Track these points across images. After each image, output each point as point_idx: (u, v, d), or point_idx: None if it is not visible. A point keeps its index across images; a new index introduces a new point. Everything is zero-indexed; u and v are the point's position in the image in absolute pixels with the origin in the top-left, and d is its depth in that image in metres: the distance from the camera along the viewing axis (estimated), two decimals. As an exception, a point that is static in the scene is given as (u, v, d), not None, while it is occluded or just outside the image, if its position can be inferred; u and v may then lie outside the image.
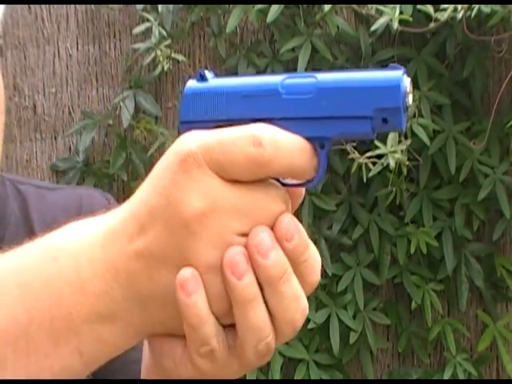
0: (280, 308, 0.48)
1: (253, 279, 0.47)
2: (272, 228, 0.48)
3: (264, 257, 0.47)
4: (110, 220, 0.50)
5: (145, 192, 0.48)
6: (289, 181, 0.49)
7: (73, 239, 0.50)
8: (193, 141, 0.47)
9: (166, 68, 2.11)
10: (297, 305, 0.49)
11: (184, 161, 0.46)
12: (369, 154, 1.99)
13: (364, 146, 2.18)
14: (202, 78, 0.51)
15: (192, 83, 0.51)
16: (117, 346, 0.50)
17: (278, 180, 0.49)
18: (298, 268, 0.49)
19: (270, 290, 0.48)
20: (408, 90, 0.48)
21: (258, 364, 0.50)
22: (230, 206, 0.46)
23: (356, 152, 2.02)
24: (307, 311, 0.50)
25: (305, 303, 0.50)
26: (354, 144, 2.05)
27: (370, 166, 1.99)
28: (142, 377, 0.60)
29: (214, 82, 0.51)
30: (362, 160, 1.99)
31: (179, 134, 0.49)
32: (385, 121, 0.47)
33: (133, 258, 0.48)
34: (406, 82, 0.48)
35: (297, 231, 0.48)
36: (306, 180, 0.49)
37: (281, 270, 0.47)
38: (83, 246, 0.49)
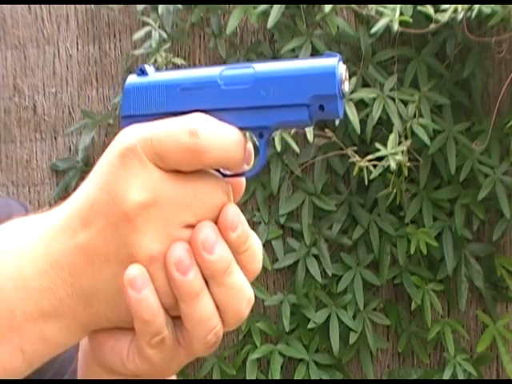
0: (226, 299, 0.49)
1: (197, 273, 0.47)
2: (215, 219, 0.48)
3: (209, 252, 0.47)
4: (53, 216, 0.49)
5: (87, 187, 0.48)
6: (226, 172, 0.50)
7: (15, 236, 0.50)
8: (132, 135, 0.47)
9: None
10: (242, 295, 0.49)
11: (124, 155, 0.47)
12: (369, 156, 1.99)
13: (364, 149, 2.18)
14: (143, 73, 0.51)
15: (132, 78, 0.51)
16: (60, 343, 0.50)
17: (218, 171, 0.49)
18: (241, 257, 0.49)
19: (215, 283, 0.48)
20: (344, 78, 0.48)
21: (206, 353, 0.50)
22: (171, 197, 0.47)
23: (356, 156, 2.02)
24: (253, 300, 0.50)
25: (250, 292, 0.50)
26: (355, 148, 2.05)
27: (371, 168, 1.99)
28: (79, 377, 0.60)
29: (153, 76, 0.51)
30: (363, 163, 1.99)
31: (120, 128, 0.49)
32: (321, 108, 0.48)
33: (76, 253, 0.48)
34: (342, 70, 0.48)
35: (240, 222, 0.49)
36: (245, 171, 0.50)
37: (225, 263, 0.48)
38: (25, 242, 0.49)
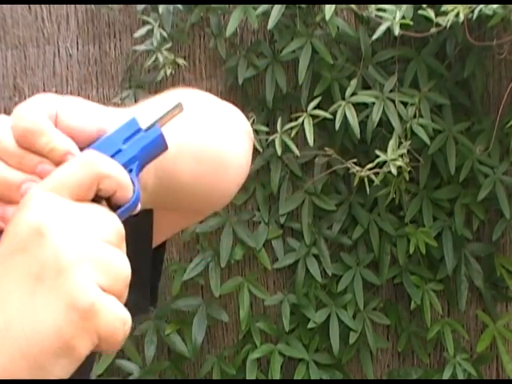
0: None
1: None
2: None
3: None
4: None
5: None
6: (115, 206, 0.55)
7: None
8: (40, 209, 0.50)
9: (168, 73, 2.12)
10: None
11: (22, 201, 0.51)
12: (370, 165, 2.00)
13: (364, 149, 2.18)
14: None
15: None
16: None
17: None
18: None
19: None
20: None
21: None
22: (69, 211, 0.49)
23: (356, 167, 2.02)
24: None
25: None
26: (355, 160, 2.06)
27: (372, 176, 1.99)
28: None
29: None
30: (364, 173, 2.00)
31: None
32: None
33: None
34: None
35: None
36: (129, 200, 0.54)
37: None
38: None
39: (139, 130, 0.57)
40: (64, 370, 0.48)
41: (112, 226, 0.50)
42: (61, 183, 0.50)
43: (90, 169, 0.51)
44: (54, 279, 0.47)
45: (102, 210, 0.51)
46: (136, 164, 0.56)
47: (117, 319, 0.48)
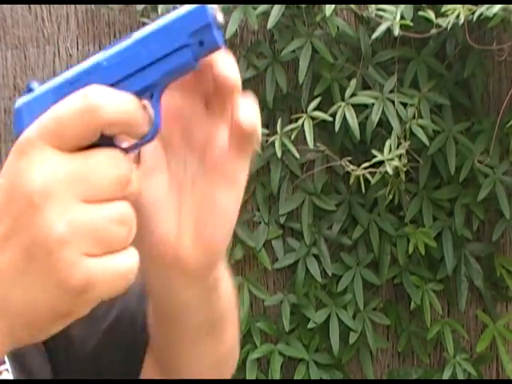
0: None
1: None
2: (117, 193, 0.47)
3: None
4: None
5: None
6: (127, 144, 0.49)
7: None
8: (30, 128, 0.48)
9: None
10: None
11: (21, 150, 0.47)
12: (365, 164, 2.00)
13: (363, 149, 2.18)
14: (30, 90, 0.51)
15: (21, 99, 0.52)
16: None
17: (117, 147, 0.49)
18: None
19: None
20: (214, 11, 0.49)
21: None
22: (70, 175, 0.47)
23: (351, 165, 2.02)
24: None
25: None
26: (349, 158, 2.06)
27: (368, 176, 1.99)
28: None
29: (40, 87, 0.51)
30: (359, 172, 2.00)
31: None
32: (201, 44, 0.48)
33: None
34: (211, 5, 0.49)
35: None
36: (144, 136, 0.49)
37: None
38: None
39: (209, 25, 0.48)
40: (64, 325, 0.49)
41: (112, 178, 0.47)
42: (57, 135, 0.47)
43: (89, 119, 0.47)
44: (44, 259, 0.46)
45: (103, 161, 0.47)
46: (160, 87, 0.48)
47: (116, 280, 0.47)
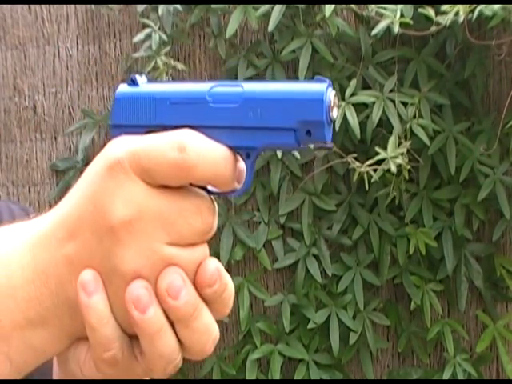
0: (191, 340, 0.48)
1: (157, 311, 0.47)
2: (199, 239, 0.48)
3: (175, 298, 0.47)
4: (40, 225, 0.50)
5: (74, 197, 0.49)
6: (214, 189, 0.50)
7: (2, 245, 0.50)
8: (120, 148, 0.47)
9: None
10: (207, 337, 0.49)
11: (112, 167, 0.47)
12: (369, 161, 1.99)
13: (363, 149, 2.18)
14: (134, 83, 0.51)
15: (123, 87, 0.51)
16: (47, 351, 0.50)
17: (204, 189, 0.49)
18: (213, 305, 0.49)
19: (181, 326, 0.48)
20: (332, 104, 0.48)
21: (164, 377, 0.50)
22: (155, 213, 0.47)
23: (356, 162, 2.02)
24: (217, 338, 0.50)
25: (215, 333, 0.50)
26: (355, 155, 2.06)
27: (372, 172, 1.99)
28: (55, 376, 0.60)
29: (144, 87, 0.51)
30: (364, 169, 1.99)
31: (110, 137, 0.50)
32: (309, 133, 0.47)
33: (62, 264, 0.48)
34: (331, 96, 0.47)
35: (219, 276, 0.48)
36: (230, 189, 0.49)
37: (191, 308, 0.47)
38: (13, 251, 0.49)
39: (321, 122, 0.47)
40: None
41: (197, 227, 0.47)
42: (149, 175, 0.47)
43: (184, 175, 0.47)
44: (117, 291, 0.47)
45: (190, 209, 0.47)
46: (258, 152, 0.49)
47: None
